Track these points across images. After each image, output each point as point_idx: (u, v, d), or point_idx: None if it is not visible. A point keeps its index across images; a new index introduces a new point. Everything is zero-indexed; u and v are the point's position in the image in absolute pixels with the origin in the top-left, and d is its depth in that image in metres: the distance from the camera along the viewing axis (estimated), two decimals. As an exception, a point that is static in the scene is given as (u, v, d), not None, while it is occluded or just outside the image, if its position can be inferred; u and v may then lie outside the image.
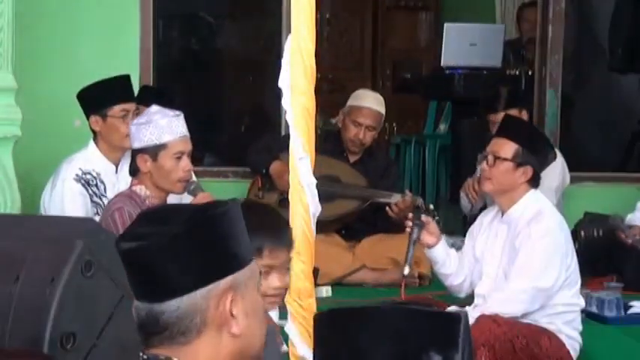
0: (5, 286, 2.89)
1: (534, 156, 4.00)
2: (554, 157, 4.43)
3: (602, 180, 6.64)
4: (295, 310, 2.68)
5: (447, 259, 4.19)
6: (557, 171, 5.83)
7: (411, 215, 4.26)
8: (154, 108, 3.99)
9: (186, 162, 3.96)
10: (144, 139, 3.92)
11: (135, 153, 3.98)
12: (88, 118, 4.68)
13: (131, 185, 4.06)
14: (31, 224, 3.40)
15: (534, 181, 4.02)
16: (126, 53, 5.93)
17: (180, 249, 1.64)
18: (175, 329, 1.65)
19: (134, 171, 4.03)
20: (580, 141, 7.11)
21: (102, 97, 4.65)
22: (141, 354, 1.67)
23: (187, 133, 3.99)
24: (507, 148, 4.00)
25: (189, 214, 1.67)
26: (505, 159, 3.99)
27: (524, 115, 5.62)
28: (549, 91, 6.58)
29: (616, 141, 7.26)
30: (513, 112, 5.52)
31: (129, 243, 1.65)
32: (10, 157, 4.66)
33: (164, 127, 3.91)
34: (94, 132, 4.68)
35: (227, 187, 5.86)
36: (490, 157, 4.03)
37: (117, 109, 4.62)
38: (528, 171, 3.98)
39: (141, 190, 3.97)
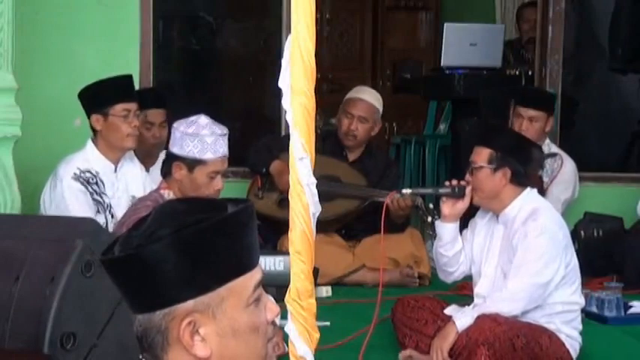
0: (5, 286, 2.88)
1: (512, 157, 4.03)
2: (542, 154, 4.48)
3: (602, 180, 6.65)
4: (295, 310, 2.67)
5: (451, 243, 4.18)
6: (569, 184, 5.84)
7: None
8: (204, 121, 3.98)
9: (218, 181, 3.99)
10: (186, 148, 3.94)
11: (172, 158, 3.99)
12: (89, 116, 4.69)
13: (160, 187, 4.07)
14: (31, 224, 3.40)
15: (517, 180, 4.04)
16: (126, 53, 5.93)
17: (138, 270, 1.59)
18: (144, 342, 1.63)
19: (165, 173, 4.03)
20: (580, 141, 7.11)
21: (104, 96, 4.66)
22: (140, 357, 1.66)
23: (227, 153, 4.01)
24: (482, 154, 4.06)
25: (159, 233, 1.59)
26: (481, 166, 4.04)
27: (549, 122, 5.67)
28: (549, 91, 6.58)
29: (616, 141, 7.26)
30: (541, 114, 5.59)
31: (104, 254, 1.64)
32: (10, 157, 4.66)
33: (209, 145, 3.93)
34: (94, 131, 4.69)
35: (227, 187, 5.82)
36: (470, 168, 4.10)
37: (119, 108, 4.63)
38: (507, 172, 4.01)
39: (168, 195, 3.99)
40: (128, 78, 4.77)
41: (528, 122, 5.55)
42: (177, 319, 1.59)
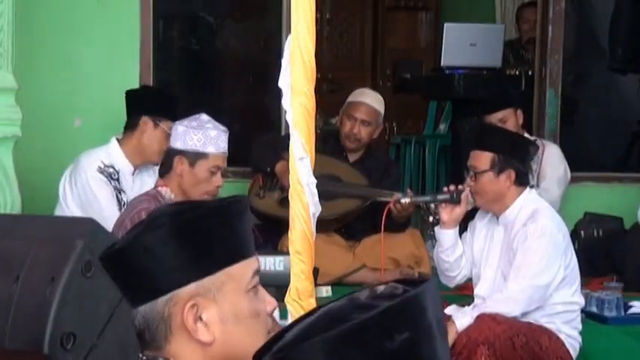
0: (5, 286, 2.89)
1: (513, 158, 4.03)
2: (537, 148, 4.48)
3: (602, 180, 6.64)
4: (295, 310, 2.68)
5: (451, 248, 4.19)
6: (559, 163, 5.84)
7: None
8: (206, 117, 4.00)
9: (218, 177, 3.99)
10: (189, 142, 3.94)
11: (173, 153, 3.99)
12: (136, 114, 4.70)
13: (157, 185, 4.07)
14: (31, 224, 3.40)
15: (520, 180, 4.04)
16: (126, 53, 5.92)
17: (137, 259, 1.62)
18: (146, 334, 1.65)
19: (164, 171, 4.03)
20: (580, 141, 7.11)
21: (166, 108, 4.74)
22: (140, 355, 1.67)
23: (227, 151, 4.02)
24: (484, 159, 4.05)
25: (158, 221, 1.63)
26: (484, 171, 4.03)
27: (519, 115, 5.62)
28: (549, 91, 6.58)
29: (616, 141, 7.25)
30: (508, 112, 5.53)
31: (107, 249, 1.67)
32: (10, 157, 4.67)
33: (212, 138, 3.94)
34: (128, 130, 4.69)
35: (227, 187, 5.83)
36: (471, 173, 4.09)
37: (169, 125, 4.58)
38: (511, 174, 4.02)
39: (166, 192, 3.99)
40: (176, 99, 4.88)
41: (502, 124, 5.50)
42: (180, 304, 1.63)
